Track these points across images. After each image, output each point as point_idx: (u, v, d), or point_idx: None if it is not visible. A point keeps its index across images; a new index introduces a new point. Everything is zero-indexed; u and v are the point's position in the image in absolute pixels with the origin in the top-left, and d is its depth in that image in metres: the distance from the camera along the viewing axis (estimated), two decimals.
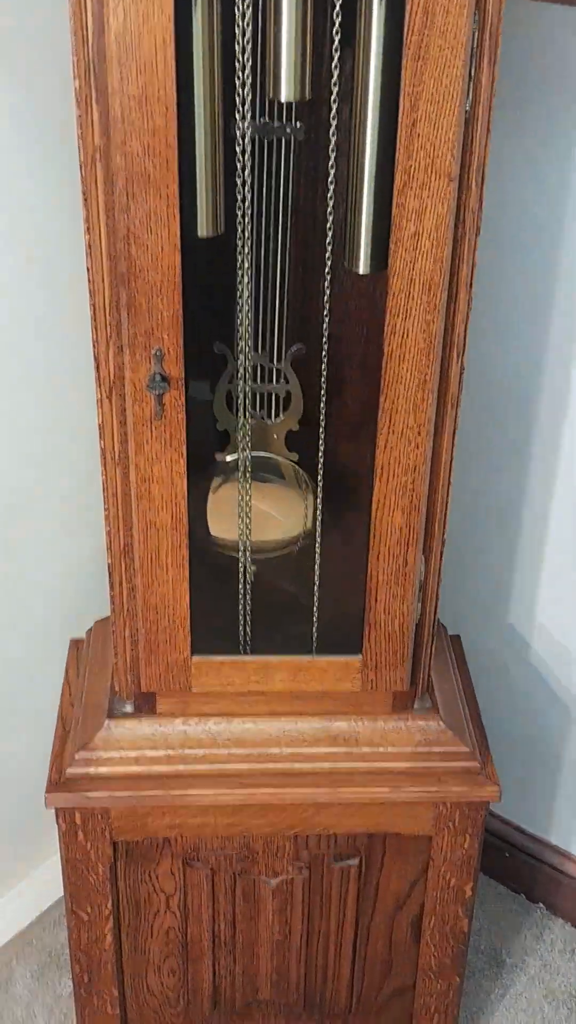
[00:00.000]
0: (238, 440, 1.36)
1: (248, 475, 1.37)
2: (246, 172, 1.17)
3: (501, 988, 1.84)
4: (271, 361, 1.37)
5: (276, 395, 1.40)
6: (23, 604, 1.74)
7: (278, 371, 1.38)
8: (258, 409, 1.40)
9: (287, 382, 1.39)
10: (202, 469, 1.42)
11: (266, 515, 1.43)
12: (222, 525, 1.43)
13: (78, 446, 1.68)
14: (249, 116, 1.14)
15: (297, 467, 1.43)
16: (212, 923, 1.52)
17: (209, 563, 1.42)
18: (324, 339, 1.26)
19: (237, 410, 1.32)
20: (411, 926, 1.54)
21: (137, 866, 1.48)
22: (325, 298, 1.23)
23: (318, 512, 1.39)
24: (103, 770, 1.42)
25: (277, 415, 1.41)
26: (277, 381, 1.38)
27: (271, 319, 1.33)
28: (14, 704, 1.78)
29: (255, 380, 1.37)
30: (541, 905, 1.96)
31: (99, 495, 1.41)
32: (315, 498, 1.37)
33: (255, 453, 1.40)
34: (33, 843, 1.88)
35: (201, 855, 1.47)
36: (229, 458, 1.41)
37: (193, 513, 1.34)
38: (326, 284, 1.23)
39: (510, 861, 1.96)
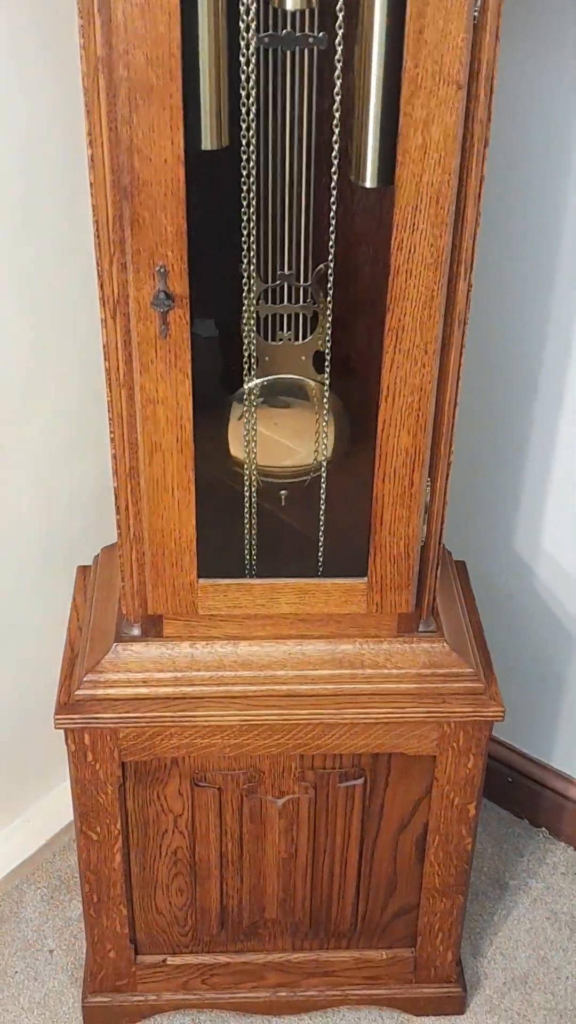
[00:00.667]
0: (268, 363, 1.34)
1: (255, 401, 1.36)
2: (251, 83, 1.15)
3: (504, 910, 1.87)
4: (297, 280, 1.33)
5: (303, 315, 1.36)
6: (27, 532, 1.75)
7: (304, 289, 1.34)
8: (285, 330, 1.37)
9: (314, 302, 1.35)
10: (223, 393, 1.40)
11: (283, 441, 1.42)
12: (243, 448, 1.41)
13: (81, 369, 1.67)
14: (254, 26, 1.12)
15: (325, 388, 1.40)
16: (219, 843, 1.54)
17: (214, 486, 1.41)
18: (330, 257, 1.24)
19: (266, 332, 1.29)
20: (415, 845, 1.57)
21: (145, 787, 1.50)
22: (331, 214, 1.22)
23: (328, 436, 1.38)
24: (111, 692, 1.43)
25: (304, 336, 1.38)
26: (304, 300, 1.35)
27: (295, 236, 1.29)
28: (21, 633, 1.79)
29: (280, 300, 1.34)
30: (544, 829, 1.99)
31: (101, 421, 1.41)
32: (326, 420, 1.36)
33: (282, 375, 1.38)
34: (42, 771, 1.91)
35: (208, 775, 1.49)
36: (254, 382, 1.38)
37: (207, 436, 1.33)
38: (332, 200, 1.21)
39: (513, 786, 1.98)
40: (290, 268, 1.33)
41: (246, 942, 1.66)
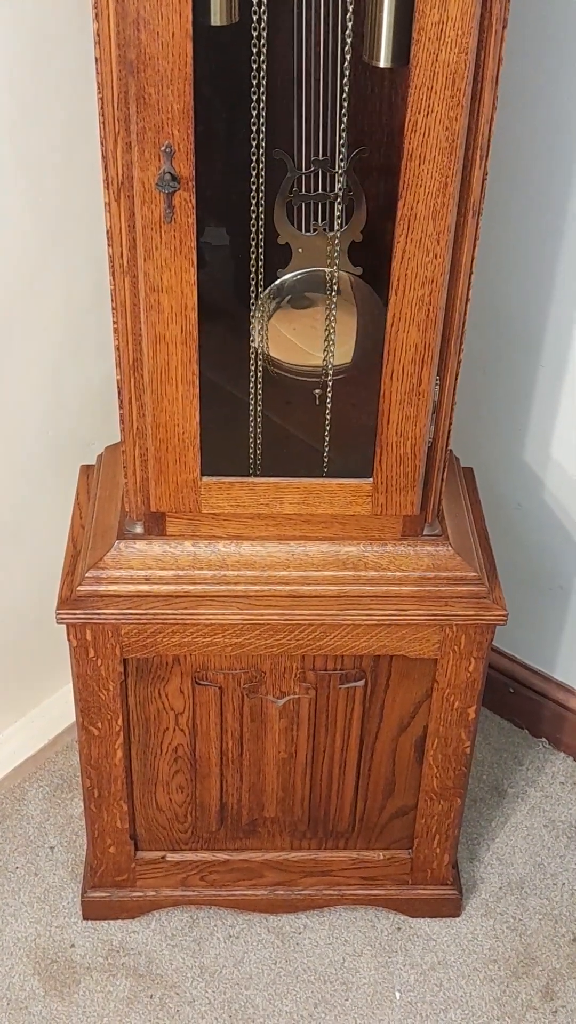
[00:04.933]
0: (302, 255, 1.28)
1: (284, 295, 1.31)
2: None
3: (502, 816, 1.89)
4: (331, 167, 1.27)
5: (338, 204, 1.29)
6: (32, 431, 1.73)
7: (335, 176, 1.28)
8: (319, 220, 1.31)
9: (349, 189, 1.29)
10: (264, 288, 1.34)
11: (315, 339, 1.37)
12: (279, 346, 1.38)
13: (87, 263, 1.64)
14: None
15: (362, 282, 1.33)
16: (220, 741, 1.55)
17: (217, 386, 1.39)
18: (341, 142, 1.21)
19: (300, 222, 1.24)
20: (414, 747, 1.57)
21: (147, 684, 1.50)
22: (344, 96, 1.18)
23: (331, 333, 1.35)
24: (113, 588, 1.43)
25: (340, 226, 1.30)
26: (336, 189, 1.28)
27: (324, 119, 1.23)
28: (25, 532, 1.79)
29: (313, 189, 1.28)
30: (544, 740, 2.00)
31: (107, 318, 1.38)
32: (331, 313, 1.33)
33: (315, 268, 1.33)
34: (46, 671, 1.91)
35: (210, 674, 1.49)
36: (287, 277, 1.34)
37: (228, 330, 1.29)
38: (345, 82, 1.17)
39: (515, 696, 1.99)
40: (324, 154, 1.26)
41: (245, 840, 1.68)
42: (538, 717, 1.98)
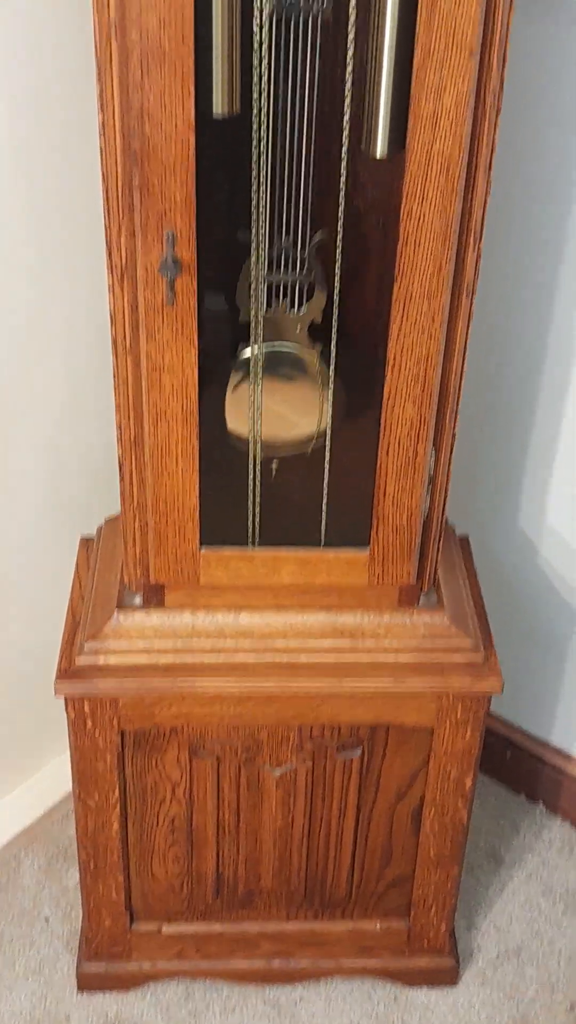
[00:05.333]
0: (264, 333, 1.33)
1: (260, 369, 1.36)
2: (263, 49, 1.14)
3: (499, 884, 1.88)
4: (295, 249, 1.33)
5: (299, 285, 1.36)
6: (32, 501, 1.75)
7: (302, 259, 1.34)
8: (280, 299, 1.37)
9: (310, 271, 1.35)
10: (225, 363, 1.39)
11: (279, 412, 1.42)
12: (239, 420, 1.42)
13: (87, 337, 1.67)
14: None
15: (320, 360, 1.40)
16: (217, 812, 1.55)
17: (219, 457, 1.42)
18: (339, 224, 1.24)
19: (255, 299, 1.30)
20: (411, 817, 1.57)
21: (144, 755, 1.50)
22: (342, 181, 1.22)
23: (326, 407, 1.38)
24: (112, 660, 1.44)
25: (300, 305, 1.38)
26: (300, 270, 1.35)
27: (295, 204, 1.29)
28: (24, 601, 1.80)
29: (277, 269, 1.34)
30: (541, 805, 2.00)
31: (106, 389, 1.41)
32: (328, 390, 1.36)
33: (276, 346, 1.38)
34: (43, 740, 1.91)
35: (207, 744, 1.49)
36: (249, 351, 1.39)
37: (209, 405, 1.33)
38: (343, 167, 1.21)
39: (512, 761, 1.99)
40: (288, 237, 1.32)
41: (241, 911, 1.67)
42: (535, 782, 1.98)
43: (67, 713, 1.45)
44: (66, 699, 1.44)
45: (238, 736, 1.49)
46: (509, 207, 1.62)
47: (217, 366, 1.40)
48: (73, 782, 1.51)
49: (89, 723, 1.45)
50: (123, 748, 1.48)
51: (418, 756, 1.52)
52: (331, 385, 1.37)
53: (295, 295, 1.37)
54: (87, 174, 1.47)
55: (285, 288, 1.36)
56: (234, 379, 1.40)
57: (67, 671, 1.43)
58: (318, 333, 1.39)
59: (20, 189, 1.53)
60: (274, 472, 1.44)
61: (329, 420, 1.39)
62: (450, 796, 1.53)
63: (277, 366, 1.40)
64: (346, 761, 1.51)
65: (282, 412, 1.42)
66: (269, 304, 1.36)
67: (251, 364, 1.36)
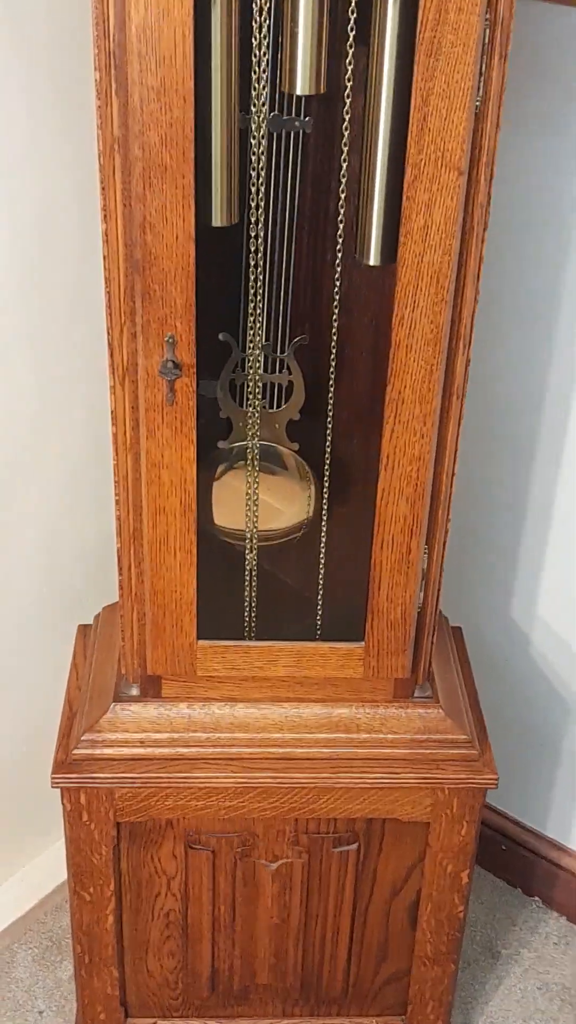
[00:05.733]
0: (243, 428, 1.38)
1: (256, 464, 1.40)
2: (260, 163, 1.19)
3: (496, 979, 1.86)
4: (274, 351, 1.39)
5: (279, 385, 1.42)
6: (29, 589, 1.77)
7: (281, 361, 1.39)
8: (260, 398, 1.41)
9: (289, 372, 1.41)
10: (204, 457, 1.43)
11: (267, 505, 1.46)
12: (224, 513, 1.45)
13: (85, 429, 1.71)
14: (265, 108, 1.17)
15: (298, 456, 1.45)
16: (212, 906, 1.54)
17: (214, 549, 1.44)
18: (334, 330, 1.29)
19: (242, 399, 1.34)
20: (408, 912, 1.57)
21: (140, 848, 1.50)
22: (336, 290, 1.26)
23: (324, 501, 1.41)
24: (108, 752, 1.44)
25: (279, 404, 1.43)
26: (280, 371, 1.40)
27: (276, 309, 1.35)
28: (21, 689, 1.80)
29: (257, 370, 1.38)
30: (537, 898, 1.98)
31: (103, 480, 1.43)
32: (320, 487, 1.40)
33: (256, 442, 1.42)
34: (36, 830, 1.91)
35: (203, 838, 1.49)
36: (232, 446, 1.43)
37: (201, 498, 1.36)
38: (337, 276, 1.26)
39: (507, 855, 1.98)
40: (268, 339, 1.37)
41: (236, 1007, 1.65)
42: (531, 875, 1.97)
43: (63, 805, 1.45)
44: (62, 791, 1.44)
45: (234, 829, 1.49)
46: (502, 304, 1.67)
47: (200, 461, 1.43)
48: (68, 875, 1.51)
49: (85, 815, 1.45)
50: (119, 840, 1.48)
51: (414, 851, 1.51)
52: (310, 481, 1.41)
53: (274, 395, 1.42)
54: (90, 276, 1.52)
55: (265, 388, 1.41)
56: (217, 472, 1.44)
57: (64, 763, 1.44)
58: (296, 431, 1.45)
59: (24, 288, 1.58)
60: (252, 574, 1.46)
61: (321, 516, 1.42)
62: (446, 892, 1.53)
63: (258, 461, 1.44)
64: (342, 855, 1.51)
65: (267, 502, 1.45)
66: (250, 403, 1.40)
67: (248, 456, 1.39)
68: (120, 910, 1.54)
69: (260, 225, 1.22)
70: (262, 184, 1.20)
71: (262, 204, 1.21)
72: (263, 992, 1.64)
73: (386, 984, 1.64)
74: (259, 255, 1.23)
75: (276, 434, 1.45)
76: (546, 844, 1.94)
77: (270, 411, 1.44)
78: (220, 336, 1.38)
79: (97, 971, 1.58)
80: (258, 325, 1.28)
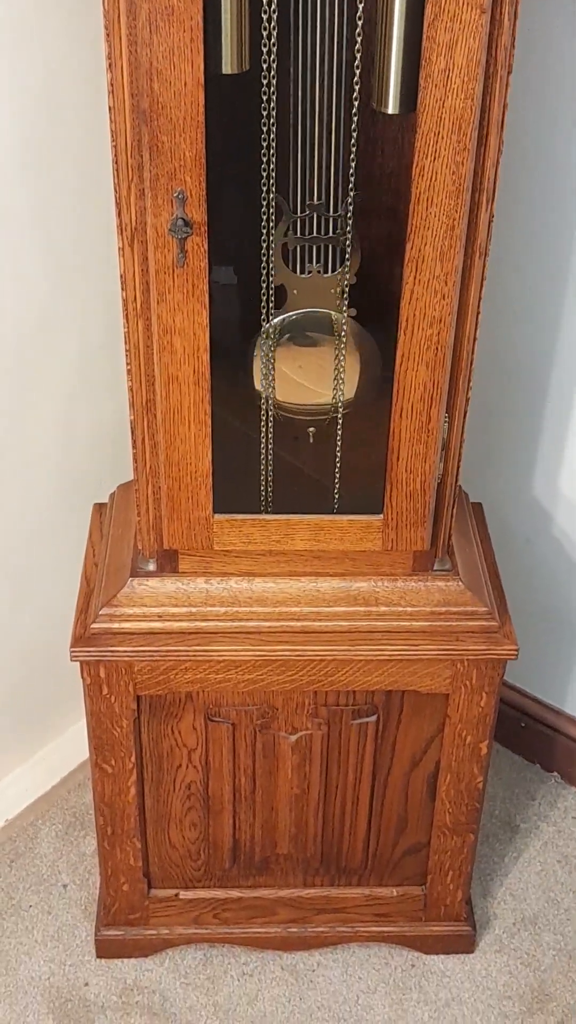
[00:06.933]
0: (296, 296, 1.32)
1: (280, 335, 1.34)
2: (272, 7, 1.13)
3: (515, 852, 1.88)
4: (327, 210, 1.30)
5: (333, 247, 1.32)
6: (45, 470, 1.75)
7: (335, 221, 1.30)
8: (314, 262, 1.34)
9: (344, 233, 1.31)
10: (249, 328, 1.37)
11: (309, 381, 1.40)
12: (281, 387, 1.40)
13: (100, 305, 1.67)
14: None
15: (355, 323, 1.36)
16: (233, 778, 1.56)
17: (235, 422, 1.41)
18: (351, 185, 1.23)
19: (295, 264, 1.28)
20: (427, 783, 1.57)
21: (160, 721, 1.51)
22: (352, 141, 1.20)
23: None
24: (126, 626, 1.44)
25: (335, 268, 1.34)
26: (334, 231, 1.31)
27: (326, 166, 1.26)
28: (38, 570, 1.80)
29: (310, 232, 1.31)
30: (556, 774, 1.99)
31: (119, 359, 1.40)
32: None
33: (311, 309, 1.35)
34: (59, 709, 1.92)
35: (222, 711, 1.50)
36: (286, 316, 1.36)
37: (227, 370, 1.32)
38: (354, 127, 1.20)
39: (526, 731, 1.99)
40: (319, 198, 1.29)
41: (258, 877, 1.68)
42: (550, 752, 1.98)
43: (83, 678, 1.45)
44: (81, 664, 1.44)
45: (253, 702, 1.49)
46: (523, 169, 1.60)
47: (244, 332, 1.39)
48: (89, 748, 1.52)
49: (105, 688, 1.45)
50: (139, 714, 1.49)
51: (433, 722, 1.51)
52: (356, 352, 1.35)
53: (328, 258, 1.33)
54: (99, 141, 1.46)
55: (319, 250, 1.33)
56: (268, 344, 1.36)
57: (82, 637, 1.44)
58: (356, 297, 1.35)
59: (29, 158, 1.52)
60: (311, 439, 1.43)
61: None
62: (465, 763, 1.53)
63: (310, 330, 1.37)
64: (361, 727, 1.51)
65: (308, 380, 1.40)
66: (303, 268, 1.33)
67: (272, 329, 1.33)
68: (142, 782, 1.55)
69: (273, 73, 1.16)
70: (275, 28, 1.14)
71: (275, 50, 1.15)
72: (284, 862, 1.66)
73: (406, 855, 1.66)
74: (272, 106, 1.18)
75: (332, 300, 1.35)
76: (565, 720, 1.95)
77: (324, 276, 1.34)
78: (271, 198, 1.27)
79: (119, 843, 1.60)
80: (271, 180, 1.23)
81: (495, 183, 1.20)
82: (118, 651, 1.43)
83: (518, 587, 1.74)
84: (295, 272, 1.33)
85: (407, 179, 1.18)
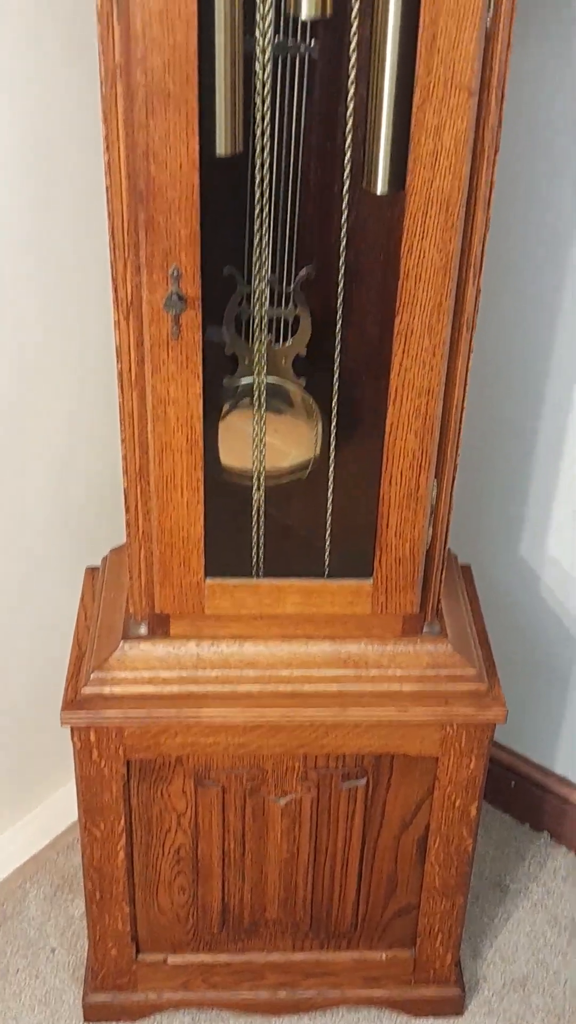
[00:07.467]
0: (248, 365, 1.36)
1: (261, 401, 1.38)
2: (265, 90, 1.17)
3: (505, 913, 1.88)
4: (280, 284, 1.36)
5: (285, 319, 1.39)
6: (38, 532, 1.76)
7: (287, 295, 1.37)
8: (266, 334, 1.39)
9: (296, 306, 1.38)
10: (209, 395, 1.41)
11: (272, 444, 1.44)
12: (230, 452, 1.44)
13: (93, 369, 1.69)
14: (270, 32, 1.14)
15: (305, 392, 1.43)
16: (222, 841, 1.56)
17: (221, 487, 1.43)
18: (342, 260, 1.26)
19: (248, 334, 1.32)
20: (417, 846, 1.58)
21: (150, 784, 1.51)
22: (343, 219, 1.24)
23: (331, 437, 1.40)
24: (117, 690, 1.44)
25: (285, 339, 1.41)
26: (286, 305, 1.38)
27: (281, 241, 1.32)
28: (30, 631, 1.81)
29: (265, 304, 1.36)
30: (546, 834, 2.00)
31: (111, 422, 1.42)
32: (328, 423, 1.38)
33: (262, 378, 1.40)
34: (48, 770, 1.92)
35: (212, 774, 1.50)
36: (238, 383, 1.41)
37: (208, 437, 1.35)
38: (344, 205, 1.23)
39: (516, 791, 1.99)
40: (273, 272, 1.35)
41: (247, 941, 1.67)
42: (539, 811, 1.98)
43: (73, 743, 1.46)
44: (72, 729, 1.44)
45: (243, 766, 1.49)
46: (510, 233, 1.64)
47: (207, 398, 1.41)
48: (79, 812, 1.52)
49: (95, 753, 1.46)
50: (129, 778, 1.49)
51: (423, 785, 1.52)
52: (315, 418, 1.39)
53: (280, 329, 1.40)
54: (95, 209, 1.50)
55: (271, 323, 1.39)
56: (223, 410, 1.42)
57: (73, 701, 1.44)
58: (302, 366, 1.42)
59: (28, 220, 1.55)
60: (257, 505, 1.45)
61: (332, 450, 1.41)
62: (455, 825, 1.54)
63: (264, 398, 1.42)
64: (351, 790, 1.52)
65: (273, 443, 1.44)
66: (257, 338, 1.38)
67: (254, 395, 1.37)
68: (131, 846, 1.55)
69: (266, 153, 1.19)
70: (267, 111, 1.18)
71: (267, 132, 1.18)
72: (273, 926, 1.65)
73: (395, 918, 1.65)
74: (265, 185, 1.21)
75: (282, 370, 1.43)
76: (555, 780, 1.96)
77: (276, 347, 1.42)
78: (224, 270, 1.36)
79: (108, 907, 1.59)
80: (264, 257, 1.26)
81: (482, 259, 1.23)
82: (109, 715, 1.43)
83: (507, 646, 1.76)
84: (246, 342, 1.38)
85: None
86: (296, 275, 1.36)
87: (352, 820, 1.54)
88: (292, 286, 1.36)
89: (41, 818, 1.94)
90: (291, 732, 1.45)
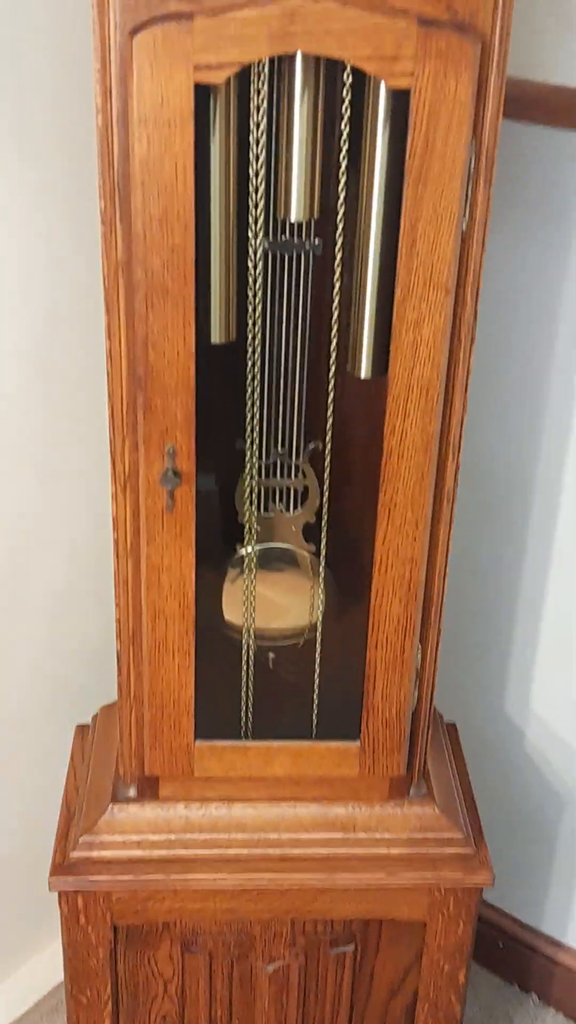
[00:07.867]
0: (250, 531, 1.42)
1: (254, 566, 1.43)
2: (257, 285, 1.25)
3: None
4: (290, 457, 1.44)
5: (294, 489, 1.47)
6: (28, 689, 1.78)
7: (296, 466, 1.45)
8: (277, 502, 1.48)
9: (304, 477, 1.46)
10: (222, 559, 1.48)
11: (275, 604, 1.49)
12: (237, 613, 1.48)
13: (86, 530, 1.74)
14: (262, 233, 1.23)
15: (314, 558, 1.48)
16: (209, 1009, 1.54)
17: (212, 649, 1.47)
18: (328, 439, 1.33)
19: (259, 504, 1.39)
20: (405, 1013, 1.56)
21: (137, 950, 1.50)
22: (329, 400, 1.31)
23: (319, 602, 1.45)
24: (106, 854, 1.45)
25: (295, 508, 1.49)
26: (294, 476, 1.46)
27: (289, 418, 1.41)
28: (18, 790, 1.81)
29: (274, 475, 1.46)
30: (534, 995, 1.97)
31: (103, 581, 1.46)
32: (318, 587, 1.43)
33: (273, 544, 1.48)
34: (33, 930, 1.89)
35: (199, 940, 1.49)
36: (247, 549, 1.47)
37: (203, 601, 1.39)
38: (330, 388, 1.31)
39: (503, 951, 1.97)
40: (283, 447, 1.43)
41: None
42: (527, 972, 1.96)
43: (60, 908, 1.45)
44: (60, 894, 1.44)
45: (231, 931, 1.49)
46: (489, 399, 1.72)
47: (215, 563, 1.47)
48: (65, 977, 1.50)
49: (82, 918, 1.45)
50: (115, 943, 1.48)
51: (411, 951, 1.51)
52: (320, 583, 1.45)
53: (290, 499, 1.48)
54: (95, 383, 1.57)
55: (282, 492, 1.47)
56: (231, 574, 1.47)
57: (61, 865, 1.44)
58: (312, 533, 1.48)
59: (31, 394, 1.63)
60: (271, 664, 1.50)
61: (319, 615, 1.45)
62: (443, 991, 1.52)
63: (272, 562, 1.49)
64: (339, 957, 1.51)
65: (278, 601, 1.49)
66: (267, 507, 1.47)
67: (245, 560, 1.43)
68: (117, 1013, 1.53)
69: (257, 341, 1.27)
70: (259, 303, 1.26)
71: (259, 322, 1.26)
72: None
73: None
74: (256, 370, 1.28)
75: (293, 537, 1.49)
76: (543, 940, 1.94)
77: (286, 515, 1.49)
78: (237, 445, 1.42)
79: None
80: (255, 436, 1.33)
81: (460, 437, 1.30)
82: (97, 880, 1.43)
83: (493, 803, 1.77)
84: (259, 511, 1.46)
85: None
86: (304, 448, 1.44)
87: (340, 987, 1.53)
88: (301, 458, 1.44)
89: (25, 980, 1.91)
90: (279, 897, 1.45)
